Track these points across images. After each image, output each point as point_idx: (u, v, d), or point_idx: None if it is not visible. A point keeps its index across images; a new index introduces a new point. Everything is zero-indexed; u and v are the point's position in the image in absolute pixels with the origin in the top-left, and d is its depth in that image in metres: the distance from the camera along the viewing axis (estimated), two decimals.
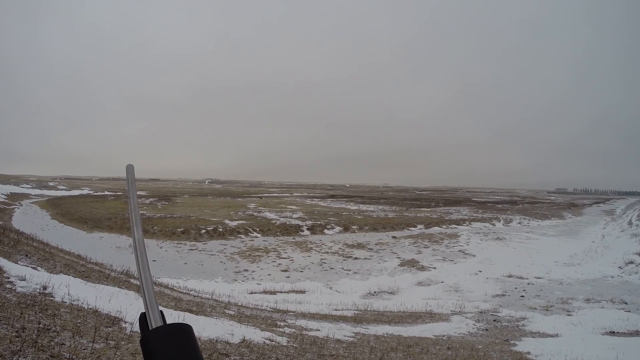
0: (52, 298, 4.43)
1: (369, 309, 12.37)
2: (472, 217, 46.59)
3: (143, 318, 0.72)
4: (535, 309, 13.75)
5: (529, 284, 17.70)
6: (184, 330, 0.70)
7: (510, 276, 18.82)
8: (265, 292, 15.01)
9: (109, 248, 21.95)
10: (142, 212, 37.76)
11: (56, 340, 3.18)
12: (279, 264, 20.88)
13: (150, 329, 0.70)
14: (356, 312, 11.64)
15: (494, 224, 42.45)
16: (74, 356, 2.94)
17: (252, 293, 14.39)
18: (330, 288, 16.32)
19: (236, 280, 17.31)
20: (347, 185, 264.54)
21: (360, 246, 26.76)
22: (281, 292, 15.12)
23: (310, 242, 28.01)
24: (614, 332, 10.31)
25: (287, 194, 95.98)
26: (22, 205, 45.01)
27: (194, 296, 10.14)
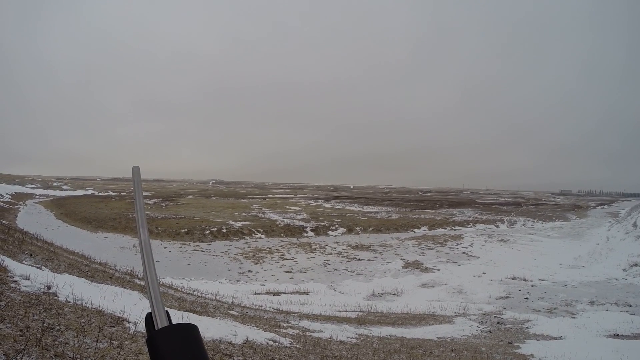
0: (56, 297, 4.45)
1: (372, 311, 12.36)
2: (476, 219, 46.45)
3: (149, 318, 0.73)
4: (539, 311, 13.68)
5: (533, 286, 17.61)
6: (190, 330, 0.70)
7: (514, 278, 18.74)
8: (268, 293, 15.02)
9: (113, 248, 22.03)
10: (146, 212, 37.93)
11: (60, 339, 3.19)
12: (283, 265, 20.88)
13: (156, 329, 0.71)
14: (360, 313, 11.63)
15: (498, 226, 42.30)
16: (77, 355, 2.95)
17: (255, 294, 14.40)
18: (334, 289, 16.31)
19: (240, 281, 17.33)
20: (351, 187, 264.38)
21: (364, 247, 26.73)
22: (285, 293, 15.12)
23: (314, 243, 28.00)
24: (618, 334, 10.24)
25: (291, 195, 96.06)
26: (26, 205, 45.26)
27: (198, 297, 10.16)
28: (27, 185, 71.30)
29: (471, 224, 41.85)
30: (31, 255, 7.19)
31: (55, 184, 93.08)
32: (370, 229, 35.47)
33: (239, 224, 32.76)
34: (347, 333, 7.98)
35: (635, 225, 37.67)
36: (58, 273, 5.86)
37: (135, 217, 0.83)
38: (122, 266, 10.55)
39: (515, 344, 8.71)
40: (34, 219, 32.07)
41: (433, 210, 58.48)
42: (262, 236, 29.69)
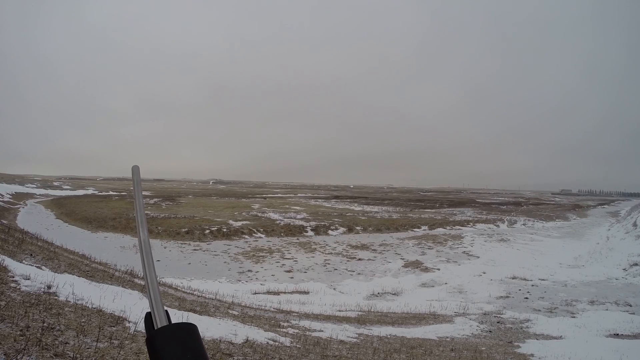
0: (56, 297, 4.45)
1: (372, 310, 12.36)
2: (476, 219, 46.45)
3: (148, 317, 0.73)
4: (539, 310, 13.68)
5: (533, 285, 17.61)
6: (190, 329, 0.70)
7: (514, 278, 18.73)
8: (268, 292, 15.02)
9: (113, 248, 22.02)
10: (146, 212, 37.97)
11: (60, 339, 3.20)
12: (283, 264, 20.88)
13: (155, 328, 0.70)
14: (360, 313, 11.62)
15: (498, 226, 42.30)
16: (77, 355, 2.96)
17: (255, 293, 14.39)
18: (334, 289, 16.31)
19: (240, 280, 17.33)
20: (352, 186, 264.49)
21: (364, 247, 26.73)
22: (285, 292, 15.12)
23: (314, 242, 28.00)
24: (618, 334, 10.24)
25: (291, 195, 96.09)
26: (26, 204, 45.24)
27: (198, 296, 10.16)
28: (27, 185, 71.34)
29: (471, 224, 41.86)
30: (31, 254, 7.19)
31: (56, 183, 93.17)
32: (370, 228, 35.46)
33: (239, 223, 32.75)
34: (347, 332, 7.98)
35: (635, 224, 37.64)
36: (58, 273, 5.87)
37: (135, 216, 0.83)
38: (122, 266, 10.55)
39: (516, 344, 8.71)
40: (34, 219, 32.07)
41: (433, 210, 58.49)
42: (263, 236, 29.69)
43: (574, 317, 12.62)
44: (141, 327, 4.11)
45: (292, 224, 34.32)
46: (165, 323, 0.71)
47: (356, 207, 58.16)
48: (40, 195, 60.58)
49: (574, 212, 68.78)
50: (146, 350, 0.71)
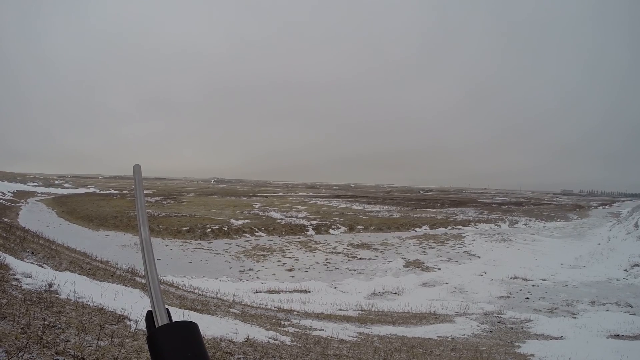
0: (57, 295, 4.46)
1: (373, 310, 12.36)
2: (477, 218, 46.40)
3: (149, 316, 0.73)
4: (540, 311, 13.66)
5: (533, 285, 17.59)
6: (190, 328, 0.70)
7: (515, 278, 18.72)
8: (269, 291, 15.03)
9: (114, 246, 22.06)
10: (148, 210, 38.01)
11: (61, 337, 3.20)
12: (284, 263, 20.89)
13: (156, 326, 0.71)
14: (360, 312, 11.63)
15: (499, 225, 42.25)
16: (78, 353, 2.96)
17: (256, 292, 14.41)
18: (335, 288, 16.32)
19: (241, 279, 17.34)
20: (353, 185, 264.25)
21: (365, 246, 26.72)
22: (285, 291, 15.13)
23: (315, 241, 28.00)
24: (618, 335, 10.22)
25: (292, 194, 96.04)
26: (28, 203, 45.32)
27: (199, 295, 10.17)
28: (28, 183, 71.45)
29: (472, 223, 41.82)
30: (33, 253, 7.21)
31: (57, 181, 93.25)
32: (371, 227, 35.45)
33: (241, 222, 32.78)
34: (347, 332, 7.98)
35: (636, 225, 37.58)
36: (59, 271, 5.88)
37: (137, 215, 0.83)
38: (123, 264, 10.58)
39: (516, 344, 8.70)
40: (35, 217, 32.14)
41: (434, 210, 58.45)
42: (264, 234, 29.70)
43: (575, 317, 12.61)
44: (142, 325, 4.11)
45: (293, 222, 34.33)
46: (166, 321, 0.71)
47: (357, 207, 58.15)
48: (41, 193, 60.64)
49: (575, 212, 68.71)
50: (147, 348, 0.71)
